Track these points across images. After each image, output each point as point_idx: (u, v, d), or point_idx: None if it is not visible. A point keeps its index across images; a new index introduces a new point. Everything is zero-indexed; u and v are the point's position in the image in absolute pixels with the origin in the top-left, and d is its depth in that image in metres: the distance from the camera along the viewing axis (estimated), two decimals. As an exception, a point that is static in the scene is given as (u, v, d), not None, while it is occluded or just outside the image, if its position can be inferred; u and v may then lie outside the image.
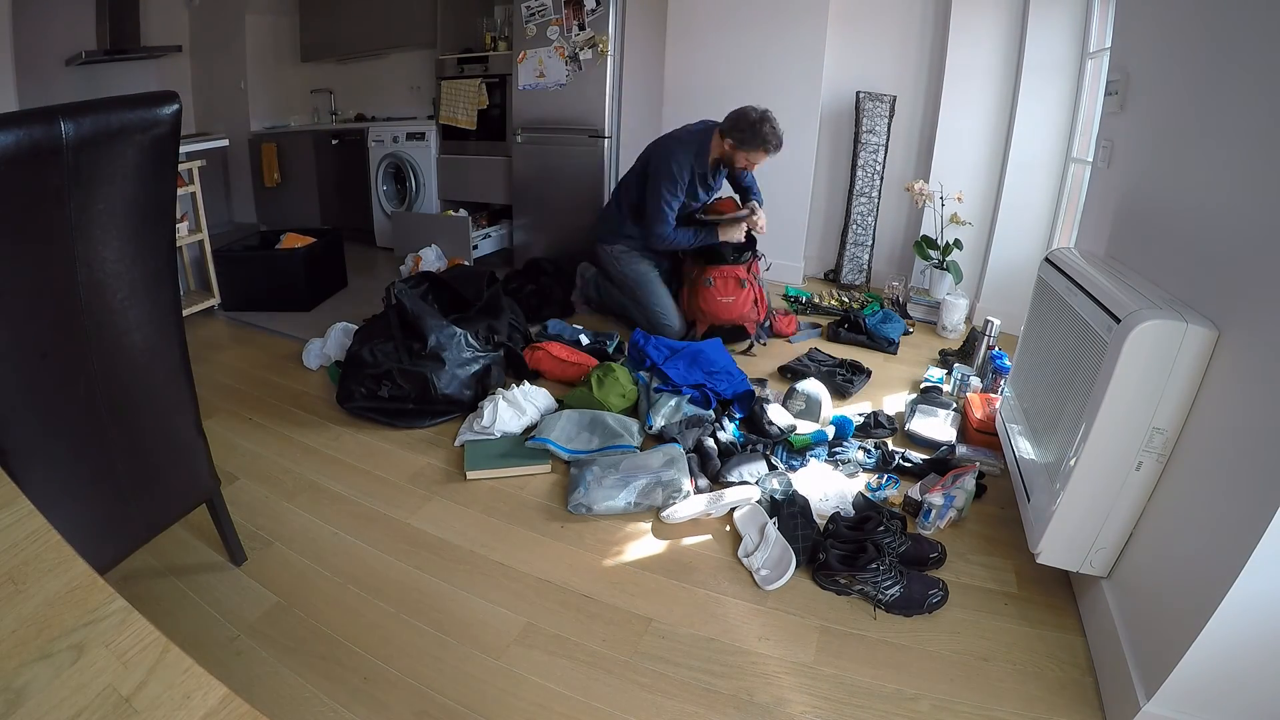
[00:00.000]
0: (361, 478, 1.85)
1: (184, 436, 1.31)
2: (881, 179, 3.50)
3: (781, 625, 1.38)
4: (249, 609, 1.37)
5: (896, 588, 1.41)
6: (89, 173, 0.97)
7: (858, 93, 3.44)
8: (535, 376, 2.41)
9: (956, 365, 2.45)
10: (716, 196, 2.92)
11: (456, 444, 2.02)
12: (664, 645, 1.33)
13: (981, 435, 2.03)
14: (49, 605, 0.53)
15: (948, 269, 3.16)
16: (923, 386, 2.41)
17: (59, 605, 0.53)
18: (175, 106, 1.07)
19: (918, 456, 1.94)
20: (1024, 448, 1.64)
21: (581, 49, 3.31)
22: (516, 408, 2.09)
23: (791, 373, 2.49)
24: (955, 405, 2.19)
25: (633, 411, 2.18)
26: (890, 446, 2.00)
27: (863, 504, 1.70)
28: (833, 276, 3.76)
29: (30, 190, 0.90)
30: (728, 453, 1.91)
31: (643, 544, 1.61)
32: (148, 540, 1.28)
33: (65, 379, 1.04)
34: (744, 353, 2.77)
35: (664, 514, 1.68)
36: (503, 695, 1.20)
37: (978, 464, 1.84)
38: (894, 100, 3.41)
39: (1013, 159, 3.03)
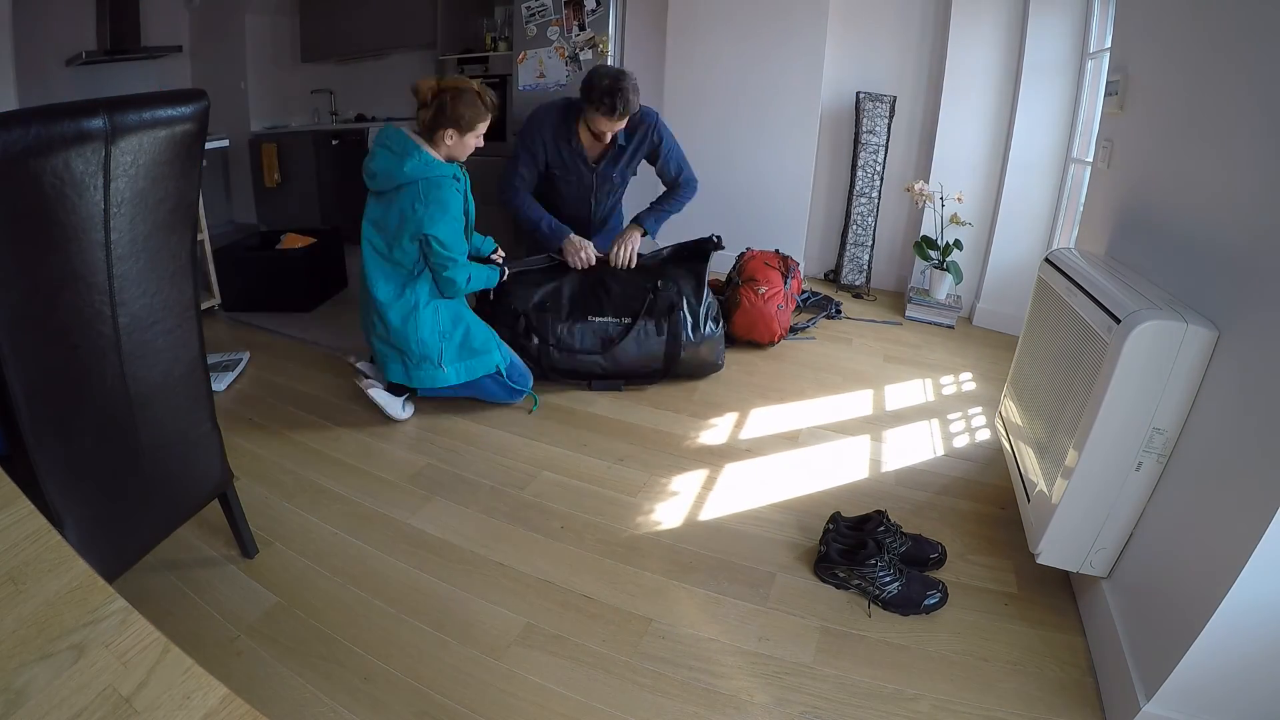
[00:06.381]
0: (361, 478, 1.85)
1: (201, 430, 1.33)
2: (881, 179, 3.50)
3: (781, 625, 1.38)
4: (249, 609, 1.37)
5: (895, 585, 1.41)
6: (126, 165, 0.98)
7: (858, 93, 3.44)
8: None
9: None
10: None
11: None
12: (664, 645, 1.33)
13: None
14: (49, 605, 0.53)
15: (948, 269, 3.16)
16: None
17: (59, 605, 0.53)
18: (204, 104, 1.08)
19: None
20: (1023, 448, 1.64)
21: (581, 49, 3.31)
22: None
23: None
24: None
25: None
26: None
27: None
28: (833, 277, 3.76)
29: (70, 180, 0.91)
30: None
31: (644, 544, 1.61)
32: (168, 534, 1.29)
33: (93, 371, 1.05)
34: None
35: None
36: (503, 695, 1.20)
37: None
38: (894, 100, 3.41)
39: (1013, 159, 3.03)
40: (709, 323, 2.37)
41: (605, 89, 2.25)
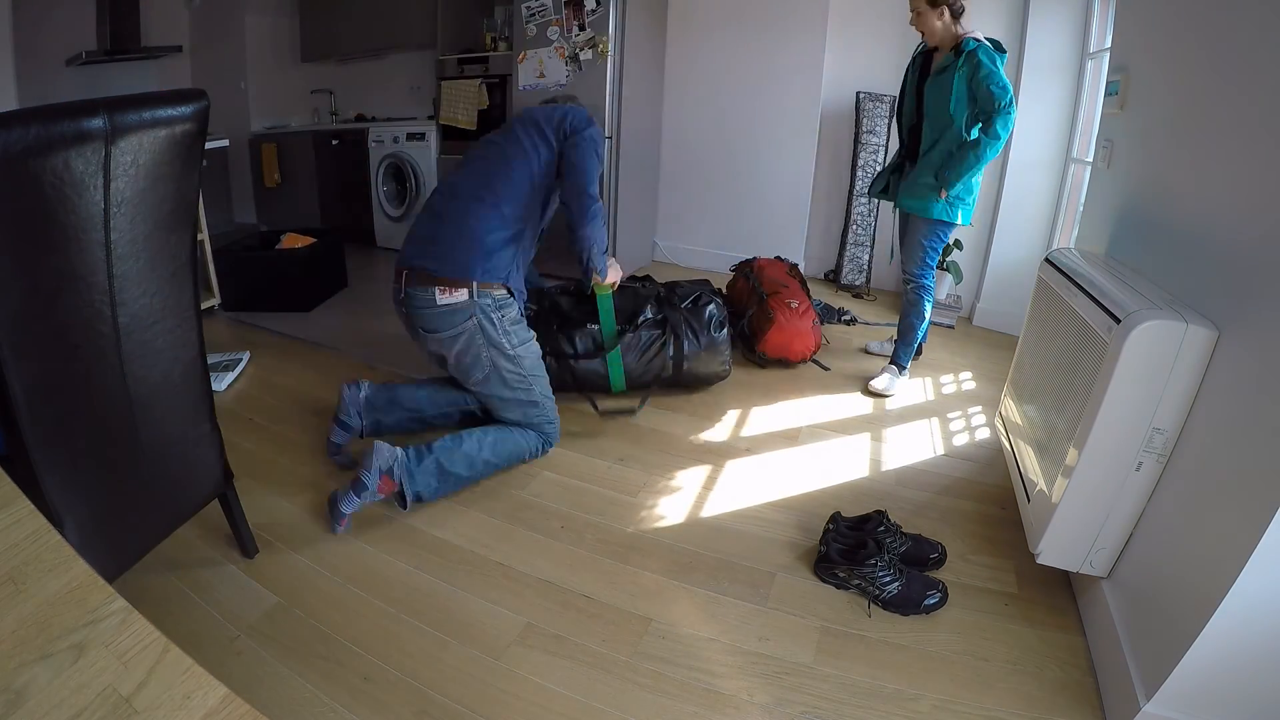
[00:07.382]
0: (361, 478, 1.85)
1: (201, 430, 1.33)
2: (881, 179, 3.50)
3: (781, 625, 1.38)
4: (249, 609, 1.37)
5: (895, 585, 1.41)
6: (126, 165, 0.98)
7: (858, 93, 3.44)
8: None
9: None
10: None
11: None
12: (664, 645, 1.33)
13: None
14: (49, 605, 0.53)
15: (948, 269, 3.16)
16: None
17: (59, 605, 0.53)
18: (204, 104, 1.08)
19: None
20: (1024, 448, 1.64)
21: (581, 49, 3.31)
22: None
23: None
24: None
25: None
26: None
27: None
28: (833, 277, 3.76)
29: (70, 180, 0.91)
30: None
31: (644, 544, 1.61)
32: (168, 535, 1.29)
33: (93, 371, 1.05)
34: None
35: None
36: (503, 695, 1.20)
37: None
38: (894, 100, 3.40)
39: (1013, 159, 3.03)
40: (713, 330, 2.28)
41: None
